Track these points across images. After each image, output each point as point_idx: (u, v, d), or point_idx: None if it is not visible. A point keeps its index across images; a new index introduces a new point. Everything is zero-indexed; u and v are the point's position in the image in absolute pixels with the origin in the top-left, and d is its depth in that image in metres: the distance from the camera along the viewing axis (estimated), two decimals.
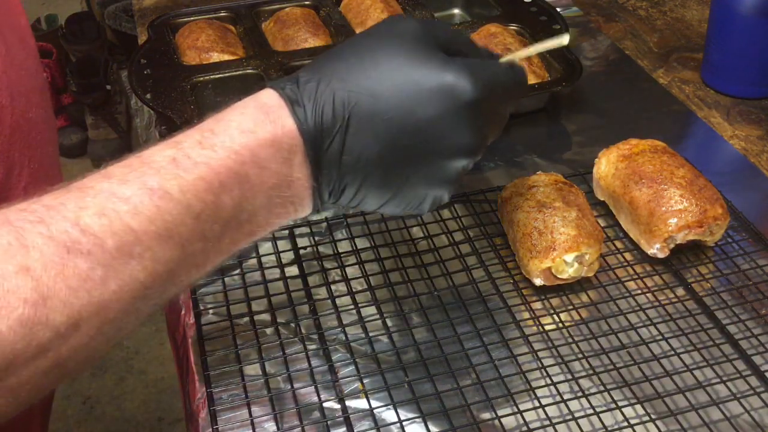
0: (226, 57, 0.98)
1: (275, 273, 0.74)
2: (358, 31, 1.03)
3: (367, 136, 0.52)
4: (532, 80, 0.92)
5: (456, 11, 1.18)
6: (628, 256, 0.75)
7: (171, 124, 0.87)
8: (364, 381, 0.64)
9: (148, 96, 0.90)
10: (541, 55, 0.97)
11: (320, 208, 0.56)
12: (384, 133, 0.52)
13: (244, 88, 0.94)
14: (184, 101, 0.89)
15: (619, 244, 0.76)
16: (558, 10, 1.12)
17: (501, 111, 0.57)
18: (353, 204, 0.57)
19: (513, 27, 1.03)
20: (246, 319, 0.70)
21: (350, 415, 0.62)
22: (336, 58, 0.54)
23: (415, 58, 0.52)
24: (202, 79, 0.94)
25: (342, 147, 0.53)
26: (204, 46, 0.99)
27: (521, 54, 0.60)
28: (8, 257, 0.43)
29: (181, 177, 0.48)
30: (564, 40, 0.59)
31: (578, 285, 0.72)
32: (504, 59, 0.58)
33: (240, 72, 0.96)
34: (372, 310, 0.70)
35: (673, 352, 0.66)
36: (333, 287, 0.73)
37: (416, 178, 0.55)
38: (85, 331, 0.45)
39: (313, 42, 1.01)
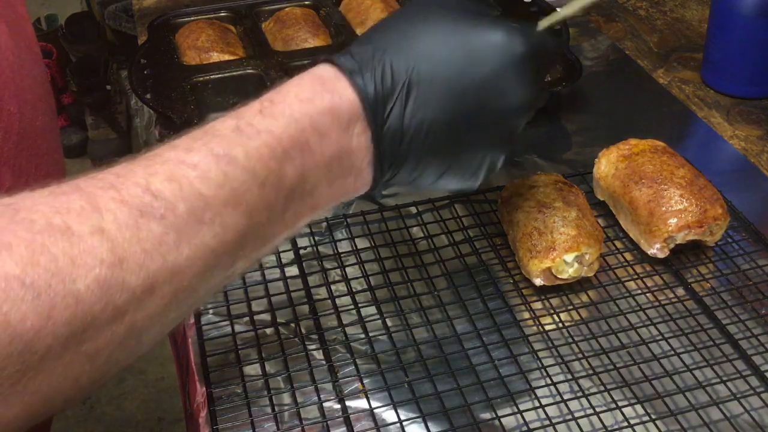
0: (226, 57, 0.98)
1: (275, 273, 0.74)
2: (358, 31, 1.03)
3: (428, 101, 0.53)
4: None
5: None
6: (628, 256, 0.75)
7: (171, 124, 0.87)
8: (364, 381, 0.64)
9: (148, 96, 0.90)
10: None
11: (380, 182, 0.56)
12: (445, 96, 0.54)
13: (244, 88, 0.95)
14: (185, 101, 0.89)
15: (619, 244, 0.76)
16: (558, 10, 1.12)
17: (542, 73, 0.59)
18: (412, 178, 0.57)
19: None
20: (246, 319, 0.70)
21: (350, 415, 0.62)
22: (388, 29, 0.55)
23: (466, 20, 0.54)
24: (202, 79, 0.94)
25: (403, 113, 0.53)
26: (204, 46, 0.99)
27: (559, 16, 0.61)
28: (83, 219, 0.43)
29: (246, 144, 0.49)
30: None
31: (578, 285, 0.72)
32: (542, 23, 0.59)
33: (240, 72, 0.96)
34: (372, 310, 0.70)
35: (673, 352, 0.66)
36: (333, 287, 0.73)
37: (477, 140, 0.56)
38: (160, 296, 0.45)
39: (313, 42, 1.01)
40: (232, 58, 0.98)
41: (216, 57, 0.98)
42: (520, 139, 0.88)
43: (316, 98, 0.52)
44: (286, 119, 0.51)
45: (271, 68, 0.96)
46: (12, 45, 0.67)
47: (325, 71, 0.53)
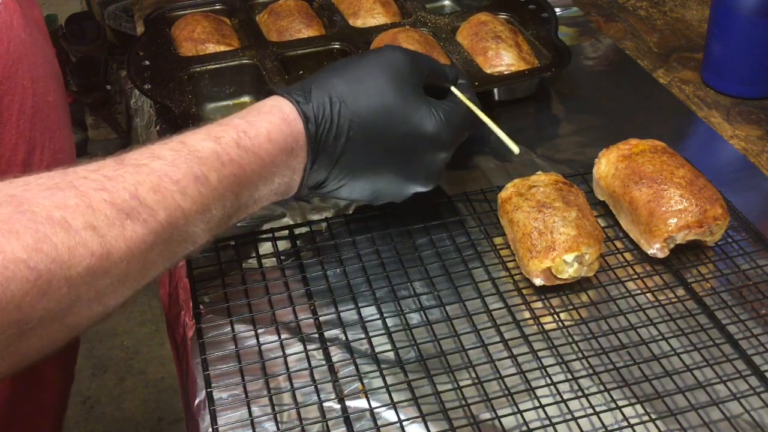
0: (222, 48, 1.00)
1: (275, 273, 0.74)
2: (351, 22, 1.05)
3: (358, 157, 0.67)
4: (522, 66, 0.93)
5: (446, 2, 1.18)
6: (628, 256, 0.75)
7: (169, 114, 0.88)
8: (364, 381, 0.64)
9: (147, 87, 0.91)
10: (531, 42, 0.99)
11: (300, 195, 0.68)
12: (372, 157, 0.68)
13: (240, 78, 0.97)
14: (182, 91, 0.90)
15: (619, 244, 0.76)
16: (558, 10, 1.12)
17: (458, 140, 0.74)
18: (329, 190, 0.70)
19: (503, 15, 1.04)
20: (246, 319, 0.70)
21: (350, 415, 0.62)
22: (343, 80, 0.67)
23: (405, 100, 0.68)
24: (199, 69, 0.96)
25: (336, 160, 0.67)
26: (200, 38, 1.00)
27: (483, 117, 0.73)
28: (77, 215, 0.50)
29: (220, 170, 0.59)
30: (515, 150, 0.73)
31: (578, 285, 0.72)
32: (462, 98, 0.73)
33: (236, 62, 0.97)
34: (372, 310, 0.70)
35: (673, 352, 0.66)
36: (333, 287, 0.73)
37: (398, 180, 0.71)
38: (130, 283, 0.54)
39: (306, 33, 1.03)
40: (227, 49, 1.00)
41: (212, 48, 0.99)
42: (519, 140, 0.89)
43: (281, 140, 0.63)
44: (255, 156, 0.61)
45: (266, 58, 0.97)
46: (23, 23, 0.71)
47: (291, 113, 0.64)
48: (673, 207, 0.72)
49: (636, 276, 0.73)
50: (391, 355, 0.66)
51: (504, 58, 0.94)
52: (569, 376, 0.64)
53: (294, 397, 0.64)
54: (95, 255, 0.50)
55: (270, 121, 0.63)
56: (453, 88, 0.74)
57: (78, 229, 0.49)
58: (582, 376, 0.64)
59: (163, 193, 0.55)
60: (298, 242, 0.77)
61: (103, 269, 0.51)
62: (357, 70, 0.68)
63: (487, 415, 0.62)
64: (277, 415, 0.62)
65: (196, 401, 0.65)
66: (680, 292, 0.72)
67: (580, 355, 0.66)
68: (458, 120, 0.71)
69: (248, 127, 0.62)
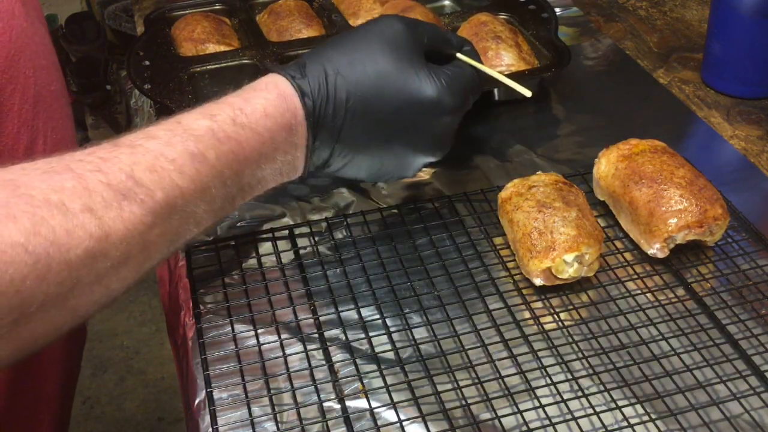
0: (222, 48, 1.00)
1: (275, 273, 0.74)
2: (351, 22, 1.05)
3: (360, 130, 0.66)
4: (522, 66, 0.93)
5: (446, 2, 1.19)
6: (628, 256, 0.75)
7: (170, 114, 0.88)
8: (364, 381, 0.64)
9: (147, 86, 0.91)
10: (531, 42, 0.99)
11: (307, 173, 0.67)
12: (374, 129, 0.67)
13: (240, 78, 0.97)
14: (182, 91, 0.91)
15: (619, 244, 0.76)
16: (558, 10, 1.12)
17: (467, 105, 0.72)
18: (335, 169, 0.69)
19: (502, 16, 1.04)
20: (246, 319, 0.70)
21: (350, 415, 0.62)
22: (338, 52, 0.66)
23: (402, 66, 0.66)
24: (199, 69, 0.96)
25: (338, 135, 0.66)
26: (200, 38, 1.00)
27: (490, 71, 0.73)
28: (74, 197, 0.50)
29: (217, 147, 0.58)
30: (527, 93, 0.73)
31: (578, 285, 0.72)
32: (467, 60, 0.72)
33: (236, 62, 0.97)
34: (372, 309, 0.70)
35: (673, 352, 0.66)
36: (333, 287, 0.73)
37: (402, 150, 0.69)
38: (132, 265, 0.54)
39: (307, 33, 1.03)
40: (227, 49, 1.00)
41: (212, 48, 1.00)
42: (519, 140, 0.88)
43: (279, 116, 0.62)
44: (253, 132, 0.60)
45: (266, 58, 0.97)
46: (24, 12, 0.71)
47: (286, 88, 0.63)
48: (673, 207, 0.72)
49: (636, 276, 0.73)
50: (391, 355, 0.66)
51: (504, 59, 0.94)
52: (569, 376, 0.64)
53: (294, 397, 0.64)
54: (94, 237, 0.50)
55: (266, 98, 0.62)
56: (459, 54, 0.72)
57: (75, 212, 0.49)
58: (582, 376, 0.64)
59: (160, 172, 0.54)
60: (298, 242, 0.77)
61: (103, 251, 0.50)
62: (352, 42, 0.67)
63: (487, 415, 0.62)
64: (277, 415, 0.62)
65: (196, 401, 0.65)
66: (680, 292, 0.71)
67: (580, 355, 0.66)
68: (461, 84, 0.69)
69: (244, 104, 0.61)
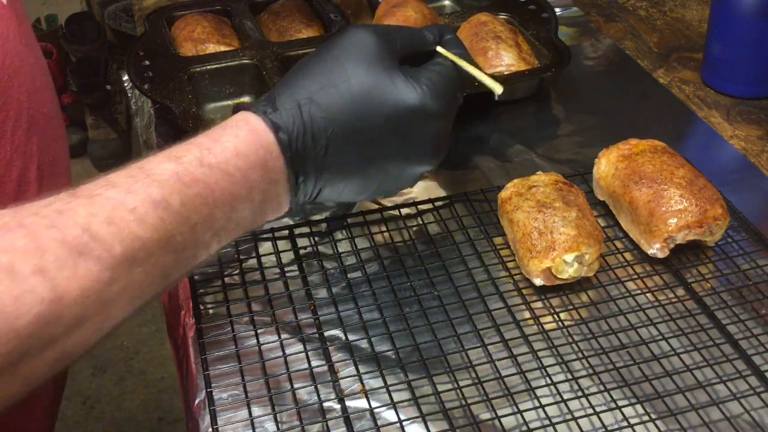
0: (222, 48, 1.00)
1: (275, 273, 0.74)
2: (351, 20, 1.05)
3: (346, 155, 0.61)
4: (522, 66, 0.94)
5: (446, 2, 1.19)
6: (628, 256, 0.75)
7: (170, 114, 0.88)
8: (364, 381, 0.64)
9: (147, 87, 0.91)
10: (531, 43, 0.99)
11: (296, 206, 0.63)
12: (361, 150, 0.62)
13: (240, 78, 0.97)
14: (182, 91, 0.91)
15: (619, 244, 0.76)
16: (558, 10, 1.12)
17: (455, 104, 0.66)
18: (329, 197, 0.65)
19: (502, 16, 1.04)
20: (246, 319, 0.70)
21: (350, 415, 0.62)
22: (308, 78, 0.61)
23: (377, 80, 0.61)
24: (199, 69, 0.96)
25: (323, 165, 0.61)
26: (200, 38, 1.00)
27: (466, 66, 0.66)
28: (25, 258, 0.46)
29: (183, 192, 0.53)
30: (497, 90, 0.67)
31: (578, 285, 0.72)
32: (447, 55, 0.66)
33: (236, 62, 0.97)
34: (372, 310, 0.70)
35: (673, 352, 0.66)
36: (333, 287, 0.73)
37: (391, 177, 0.65)
38: (90, 326, 0.49)
39: (307, 33, 1.03)
40: (227, 49, 1.00)
41: (212, 48, 1.00)
42: (519, 140, 0.88)
43: (251, 154, 0.58)
44: (222, 173, 0.56)
45: (266, 58, 0.97)
46: (20, 33, 0.69)
47: (258, 124, 0.59)
48: (673, 207, 0.72)
49: (636, 276, 0.73)
50: (391, 355, 0.66)
51: (504, 59, 0.94)
52: (569, 376, 0.64)
53: (294, 397, 0.64)
54: (45, 301, 0.46)
55: (236, 135, 0.58)
56: (438, 48, 0.67)
57: (26, 275, 0.46)
58: (582, 376, 0.64)
59: (118, 224, 0.50)
60: (298, 242, 0.77)
61: (55, 315, 0.47)
62: (321, 64, 0.62)
63: (487, 415, 0.62)
64: (277, 415, 0.62)
65: (196, 401, 0.65)
66: (680, 292, 0.71)
67: (580, 355, 0.66)
68: (444, 83, 0.64)
69: (212, 143, 0.57)
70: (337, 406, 0.63)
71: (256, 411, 0.62)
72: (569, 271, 0.70)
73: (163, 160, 0.55)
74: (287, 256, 0.76)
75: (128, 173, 0.53)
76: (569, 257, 0.69)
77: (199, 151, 0.56)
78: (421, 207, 0.81)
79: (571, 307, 0.70)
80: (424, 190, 0.84)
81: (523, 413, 0.61)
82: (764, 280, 0.72)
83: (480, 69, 0.67)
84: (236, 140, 0.58)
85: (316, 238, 0.78)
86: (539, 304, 0.71)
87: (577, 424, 0.60)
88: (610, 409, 0.62)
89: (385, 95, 0.61)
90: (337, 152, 0.61)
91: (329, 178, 0.62)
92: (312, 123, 0.60)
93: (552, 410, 0.62)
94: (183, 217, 0.53)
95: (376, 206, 0.81)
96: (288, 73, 0.64)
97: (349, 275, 0.74)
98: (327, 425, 0.61)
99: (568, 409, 0.62)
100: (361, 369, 0.65)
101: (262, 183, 0.58)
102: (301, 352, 0.67)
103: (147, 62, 0.95)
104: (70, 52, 2.41)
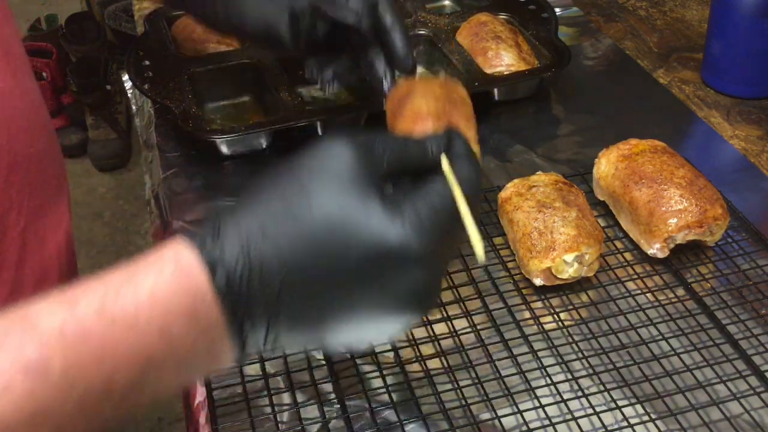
0: (222, 48, 1.00)
1: None
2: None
3: (304, 303, 0.47)
4: (522, 66, 0.94)
5: (446, 2, 1.19)
6: (628, 256, 0.75)
7: (170, 114, 0.88)
8: (365, 382, 0.64)
9: (147, 87, 0.91)
10: (531, 42, 0.99)
11: (244, 353, 0.48)
12: (323, 298, 0.47)
13: (240, 78, 0.97)
14: (182, 91, 0.91)
15: (619, 244, 0.76)
16: (558, 10, 1.12)
17: (444, 246, 0.49)
18: (289, 346, 0.51)
19: (502, 16, 1.04)
20: None
21: (350, 415, 0.62)
22: (262, 205, 0.47)
23: (349, 212, 0.46)
24: (199, 69, 0.96)
25: (276, 312, 0.46)
26: (200, 38, 1.00)
27: (463, 205, 0.48)
28: None
29: (67, 353, 0.41)
30: (479, 257, 0.47)
31: (578, 285, 0.72)
32: (450, 178, 0.49)
33: (236, 62, 0.97)
34: None
35: (673, 352, 0.66)
36: None
37: (364, 331, 0.49)
38: None
39: None
40: (227, 49, 1.00)
41: (212, 48, 1.00)
42: (519, 140, 0.88)
43: (172, 301, 0.44)
44: (127, 327, 0.42)
45: (266, 58, 0.97)
46: (5, 70, 0.63)
47: (190, 261, 0.45)
48: (673, 207, 0.72)
49: (636, 276, 0.73)
50: (391, 355, 0.66)
51: (504, 59, 0.94)
52: (569, 376, 0.64)
53: (294, 397, 0.64)
54: None
55: (159, 273, 0.44)
56: (443, 161, 0.50)
57: None
58: (582, 376, 0.64)
59: None
60: None
61: None
62: (282, 188, 0.47)
63: (487, 415, 0.62)
64: (277, 415, 0.62)
65: (196, 401, 0.65)
66: (680, 292, 0.71)
67: (580, 355, 0.66)
68: (436, 217, 0.47)
69: (125, 284, 0.44)
70: (337, 406, 0.63)
71: (256, 411, 0.62)
72: (569, 271, 0.70)
73: (54, 306, 0.43)
74: None
75: (9, 320, 0.42)
76: (569, 257, 0.69)
77: (104, 295, 0.43)
78: None
79: (571, 307, 0.70)
80: None
81: (523, 413, 0.61)
82: (764, 280, 0.72)
83: (476, 221, 0.48)
84: (155, 282, 0.44)
85: None
86: (539, 304, 0.71)
87: (577, 424, 0.60)
88: (610, 409, 0.62)
89: (355, 231, 0.46)
90: (291, 300, 0.46)
91: (289, 326, 0.47)
92: (261, 264, 0.45)
93: (552, 410, 0.62)
94: (65, 386, 0.41)
95: None
96: (244, 193, 0.49)
97: None
98: (327, 425, 0.61)
99: (568, 409, 0.62)
100: (361, 369, 0.65)
101: (188, 337, 0.44)
102: (301, 352, 0.67)
103: (147, 62, 0.95)
104: (70, 52, 2.41)
